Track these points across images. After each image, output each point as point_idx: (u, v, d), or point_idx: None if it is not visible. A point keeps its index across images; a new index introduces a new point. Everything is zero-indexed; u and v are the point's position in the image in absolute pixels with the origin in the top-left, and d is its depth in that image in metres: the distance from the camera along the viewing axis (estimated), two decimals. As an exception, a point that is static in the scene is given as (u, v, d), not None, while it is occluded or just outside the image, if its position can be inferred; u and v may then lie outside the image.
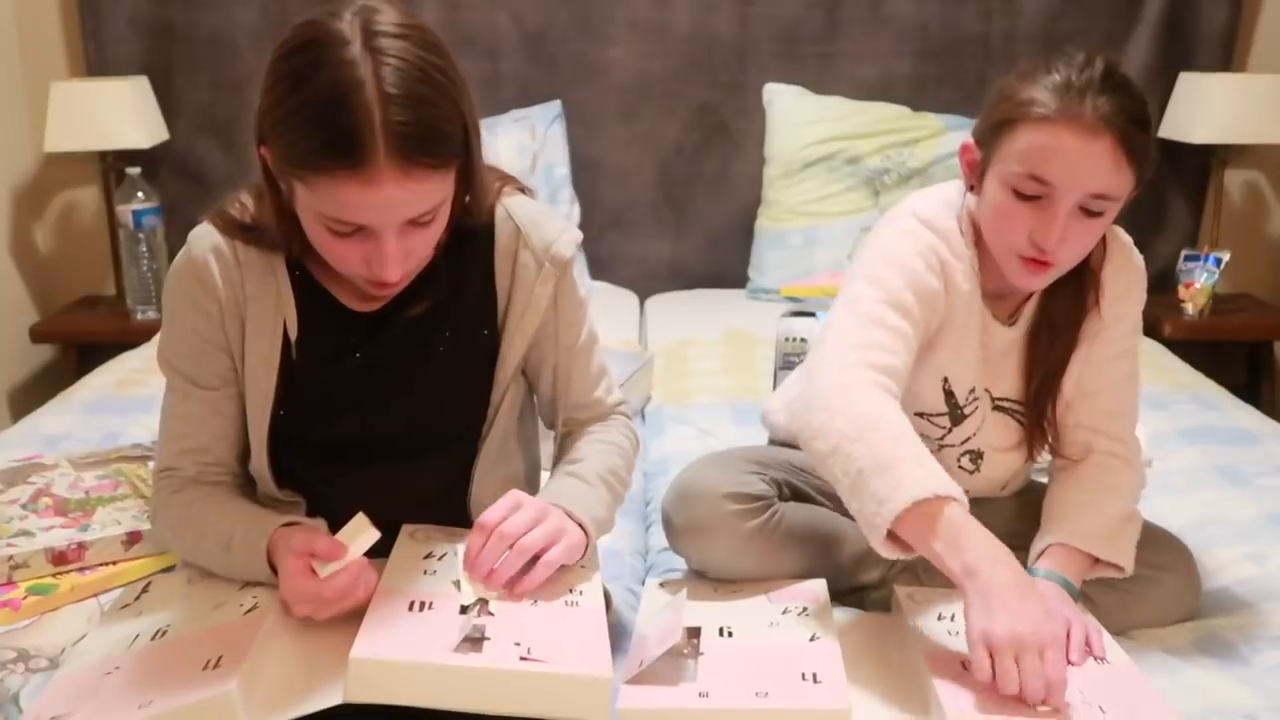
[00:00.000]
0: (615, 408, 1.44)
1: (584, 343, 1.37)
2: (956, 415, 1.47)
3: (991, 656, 1.11)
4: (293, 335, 1.25)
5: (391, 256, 1.12)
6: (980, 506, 1.54)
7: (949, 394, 1.45)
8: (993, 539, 1.19)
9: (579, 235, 1.35)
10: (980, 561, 1.16)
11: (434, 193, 1.12)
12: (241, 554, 1.20)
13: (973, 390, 1.46)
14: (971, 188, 1.40)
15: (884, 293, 1.36)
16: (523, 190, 1.35)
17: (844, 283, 1.44)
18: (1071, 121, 1.27)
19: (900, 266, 1.37)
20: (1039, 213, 1.30)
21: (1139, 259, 1.47)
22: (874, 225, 1.48)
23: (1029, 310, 1.45)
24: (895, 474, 1.21)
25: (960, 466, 1.50)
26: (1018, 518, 1.49)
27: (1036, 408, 1.46)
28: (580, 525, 1.23)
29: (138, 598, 1.27)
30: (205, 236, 1.24)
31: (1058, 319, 1.43)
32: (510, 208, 1.31)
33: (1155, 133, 1.34)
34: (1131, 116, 1.28)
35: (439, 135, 1.09)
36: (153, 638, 1.14)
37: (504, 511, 1.17)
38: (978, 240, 1.41)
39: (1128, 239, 1.46)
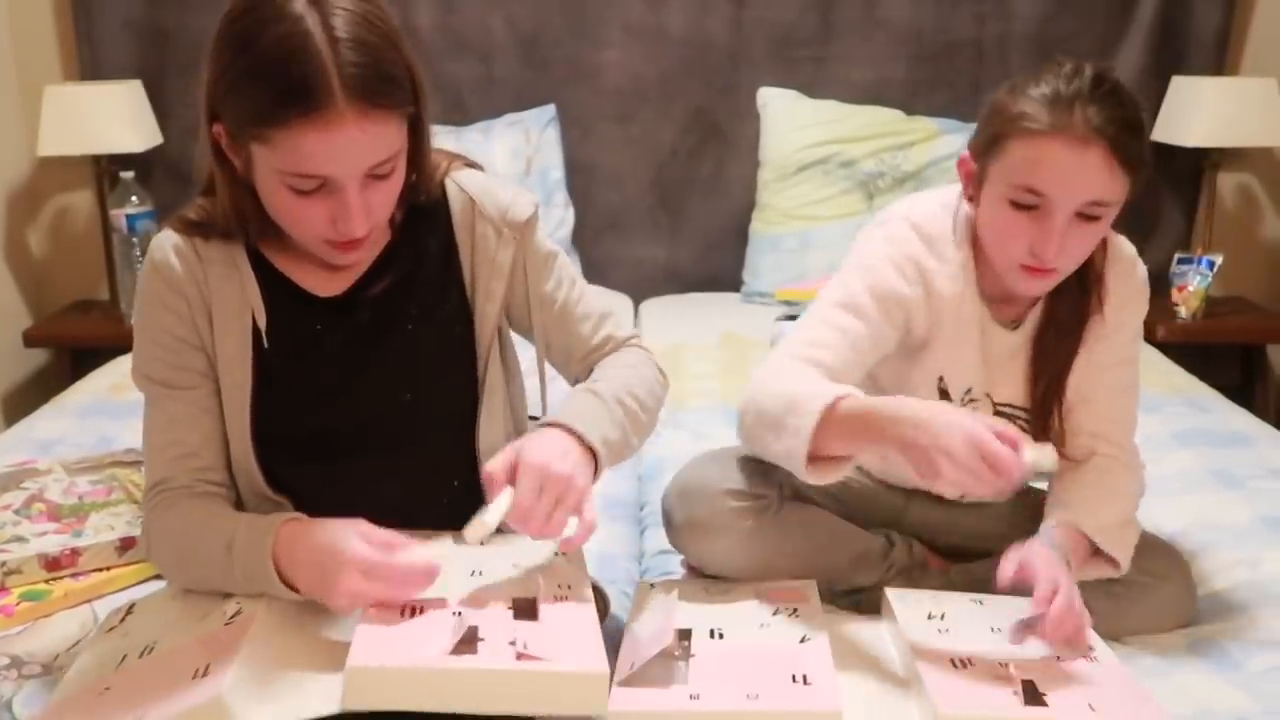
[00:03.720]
0: (626, 341, 1.41)
1: (567, 295, 1.36)
2: None
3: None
4: (261, 325, 1.25)
5: (355, 209, 1.14)
6: (979, 509, 1.55)
7: (943, 393, 1.46)
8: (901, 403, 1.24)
9: (534, 198, 1.36)
10: (885, 414, 1.22)
11: (391, 138, 1.15)
12: (244, 554, 1.16)
13: (969, 391, 1.46)
14: (970, 198, 1.41)
15: (842, 294, 1.42)
16: (471, 165, 1.36)
17: None
18: (1062, 133, 1.28)
19: (866, 269, 1.42)
20: (1037, 223, 1.31)
21: (1143, 271, 1.48)
22: (872, 219, 1.50)
23: (1034, 315, 1.46)
24: (792, 413, 1.26)
25: None
26: (1012, 521, 1.50)
27: (1043, 410, 1.47)
28: (590, 448, 1.19)
29: (123, 620, 1.26)
30: (165, 240, 1.27)
31: (1064, 319, 1.45)
32: (460, 180, 1.33)
33: (1149, 135, 1.34)
34: (1124, 123, 1.29)
35: (391, 78, 1.13)
36: (140, 655, 1.14)
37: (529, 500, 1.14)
38: (976, 244, 1.41)
39: (1132, 250, 1.48)
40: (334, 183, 1.13)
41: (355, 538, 1.12)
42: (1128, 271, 1.46)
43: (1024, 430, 1.48)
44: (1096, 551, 1.38)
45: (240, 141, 1.14)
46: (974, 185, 1.39)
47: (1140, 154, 1.31)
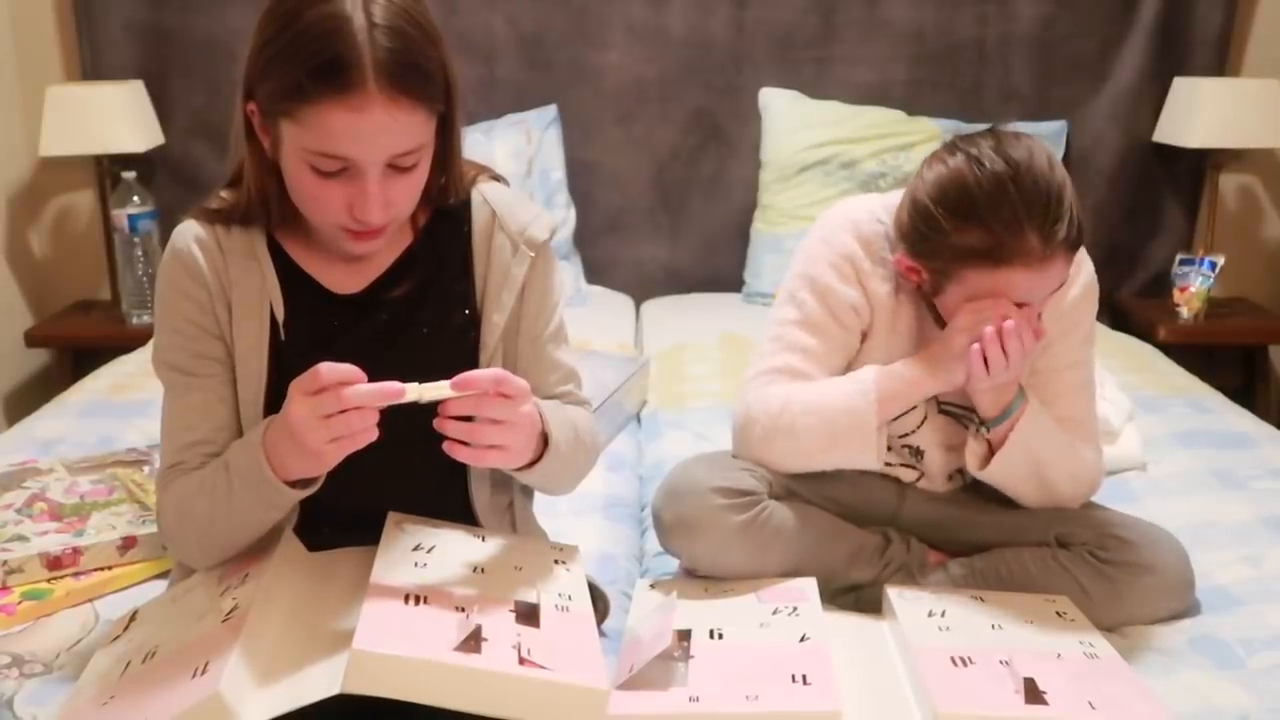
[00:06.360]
0: (581, 403, 1.42)
1: (551, 334, 1.36)
2: None
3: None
4: (280, 317, 1.26)
5: (374, 196, 1.16)
6: (974, 504, 1.55)
7: None
8: (905, 366, 1.44)
9: (554, 221, 1.38)
10: (917, 371, 1.42)
11: (417, 130, 1.16)
12: (239, 461, 1.17)
13: None
14: (919, 286, 1.45)
15: (799, 313, 1.50)
16: (497, 179, 1.38)
17: (783, 284, 1.54)
18: (1018, 260, 1.32)
19: (814, 284, 1.48)
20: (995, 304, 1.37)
21: (1089, 271, 1.51)
22: (817, 219, 1.55)
23: None
24: (845, 416, 1.42)
25: (902, 464, 1.55)
26: (1008, 516, 1.50)
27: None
28: (545, 433, 1.22)
29: (126, 628, 1.26)
30: (187, 229, 1.28)
31: None
32: (486, 193, 1.34)
33: (1078, 210, 1.36)
34: (1071, 220, 1.32)
35: (422, 70, 1.15)
36: (144, 661, 1.14)
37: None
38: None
39: (1081, 252, 1.48)
40: (356, 167, 1.14)
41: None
42: (1074, 273, 1.47)
43: (965, 429, 1.51)
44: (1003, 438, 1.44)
45: (271, 120, 1.16)
46: (924, 281, 1.43)
47: (1082, 233, 1.36)
